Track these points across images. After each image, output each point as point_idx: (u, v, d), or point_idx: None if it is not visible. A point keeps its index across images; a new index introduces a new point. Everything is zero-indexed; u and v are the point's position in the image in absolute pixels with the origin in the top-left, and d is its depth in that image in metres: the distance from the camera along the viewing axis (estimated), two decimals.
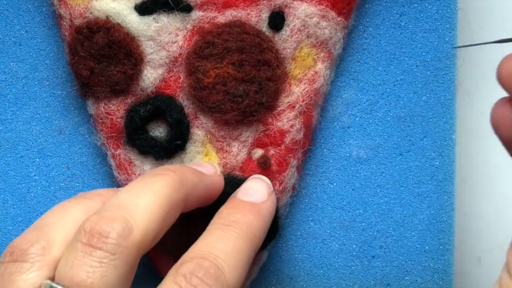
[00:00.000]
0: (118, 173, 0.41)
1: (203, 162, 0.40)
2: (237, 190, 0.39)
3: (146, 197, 0.33)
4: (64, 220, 0.34)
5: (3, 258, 0.32)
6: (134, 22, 0.40)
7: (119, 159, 0.41)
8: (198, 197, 0.37)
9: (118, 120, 0.41)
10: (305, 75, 0.41)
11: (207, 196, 0.38)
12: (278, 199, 0.41)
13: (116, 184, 0.42)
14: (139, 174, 0.41)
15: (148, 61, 0.40)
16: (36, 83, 0.43)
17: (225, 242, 0.34)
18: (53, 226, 0.33)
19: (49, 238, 0.32)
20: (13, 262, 0.32)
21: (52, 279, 0.31)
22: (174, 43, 0.40)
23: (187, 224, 0.40)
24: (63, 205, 0.35)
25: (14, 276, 0.31)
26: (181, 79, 0.40)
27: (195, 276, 0.31)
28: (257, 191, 0.39)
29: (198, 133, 0.40)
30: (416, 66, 0.43)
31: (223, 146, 0.40)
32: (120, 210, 0.32)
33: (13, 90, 0.43)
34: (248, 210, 0.37)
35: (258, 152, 0.41)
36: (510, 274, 0.31)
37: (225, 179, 0.40)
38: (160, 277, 0.42)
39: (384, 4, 0.43)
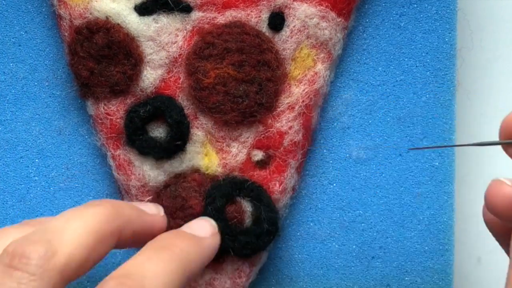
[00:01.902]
0: (118, 173, 0.41)
1: (148, 203, 0.39)
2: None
3: (75, 223, 0.32)
4: None
5: None
6: (133, 23, 0.40)
7: (119, 159, 0.41)
8: (135, 233, 0.35)
9: (117, 120, 0.41)
10: (305, 75, 0.41)
11: (146, 234, 0.37)
12: (278, 200, 0.41)
13: (116, 184, 0.42)
14: (138, 175, 0.41)
15: (147, 62, 0.40)
16: (36, 83, 0.43)
17: (156, 263, 0.32)
18: None
19: None
20: None
21: None
22: (174, 43, 0.40)
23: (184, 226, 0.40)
24: (1, 230, 0.35)
25: None
26: (181, 80, 0.40)
27: None
28: (200, 227, 0.38)
29: (198, 133, 0.40)
30: (416, 66, 0.43)
31: (223, 147, 0.40)
32: (46, 233, 0.31)
33: (13, 91, 0.43)
34: (188, 238, 0.36)
35: (258, 155, 0.41)
36: None
37: (225, 179, 0.40)
38: None
39: (383, 4, 0.43)
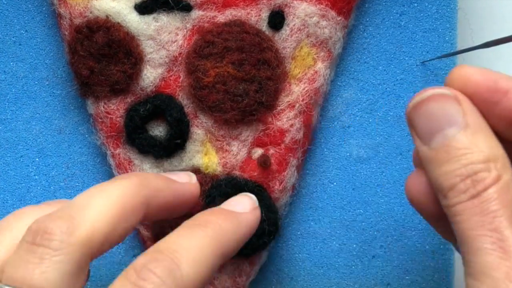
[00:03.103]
0: (118, 172, 0.41)
1: (178, 172, 0.39)
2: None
3: (99, 197, 0.32)
4: (14, 224, 0.33)
5: None
6: (134, 21, 0.40)
7: (119, 158, 0.41)
8: (166, 203, 0.36)
9: (117, 119, 0.41)
10: (305, 74, 0.41)
11: (177, 203, 0.37)
12: (278, 199, 0.41)
13: None
14: None
15: (148, 60, 0.40)
16: (36, 82, 0.43)
17: (189, 239, 0.32)
18: (1, 230, 0.33)
19: None
20: None
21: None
22: (174, 42, 0.40)
23: None
24: (20, 210, 0.35)
25: None
26: (181, 78, 0.40)
27: (146, 268, 0.30)
28: (239, 202, 0.38)
29: (198, 132, 0.40)
30: (416, 65, 0.43)
31: (223, 146, 0.40)
32: (68, 209, 0.32)
33: (13, 90, 0.43)
34: (224, 215, 0.35)
35: (258, 152, 0.41)
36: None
37: (224, 179, 0.40)
38: None
39: (384, 3, 0.43)
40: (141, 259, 0.31)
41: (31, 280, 0.30)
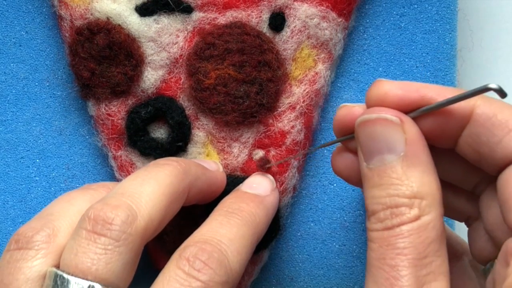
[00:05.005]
0: (120, 174, 0.41)
1: (206, 160, 0.40)
2: (241, 184, 0.39)
3: (150, 185, 0.33)
4: (69, 209, 0.34)
5: (8, 246, 0.32)
6: (134, 23, 0.40)
7: (121, 160, 0.41)
8: (201, 190, 0.37)
9: (119, 121, 0.41)
10: (305, 76, 0.41)
11: (209, 191, 0.38)
12: (278, 200, 0.41)
13: None
14: None
15: (148, 62, 0.40)
16: (37, 84, 0.43)
17: (229, 228, 0.34)
18: (58, 215, 0.33)
19: (54, 226, 0.33)
20: (18, 250, 0.32)
21: (57, 266, 0.31)
22: (175, 44, 0.40)
23: (188, 223, 0.40)
24: (68, 195, 0.35)
25: (19, 264, 0.31)
26: (181, 80, 0.40)
27: (198, 259, 0.31)
28: (260, 185, 0.39)
29: (199, 134, 0.40)
30: (416, 67, 0.43)
31: (224, 147, 0.41)
32: (124, 197, 0.32)
33: (14, 91, 0.43)
34: (252, 200, 0.37)
35: (259, 153, 0.41)
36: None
37: (227, 178, 0.40)
38: None
39: (384, 5, 0.43)
40: (191, 249, 0.32)
41: (96, 271, 0.30)
